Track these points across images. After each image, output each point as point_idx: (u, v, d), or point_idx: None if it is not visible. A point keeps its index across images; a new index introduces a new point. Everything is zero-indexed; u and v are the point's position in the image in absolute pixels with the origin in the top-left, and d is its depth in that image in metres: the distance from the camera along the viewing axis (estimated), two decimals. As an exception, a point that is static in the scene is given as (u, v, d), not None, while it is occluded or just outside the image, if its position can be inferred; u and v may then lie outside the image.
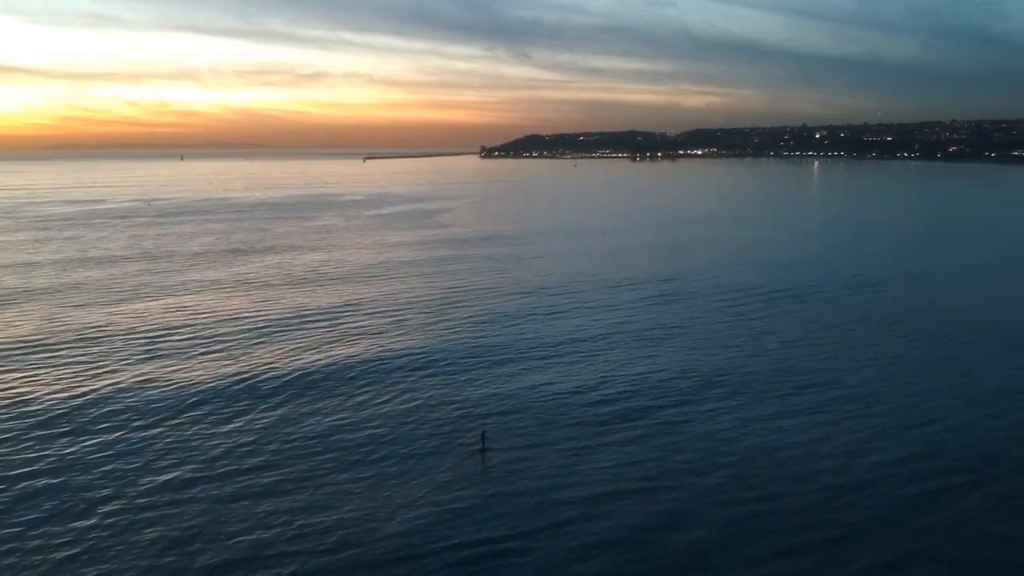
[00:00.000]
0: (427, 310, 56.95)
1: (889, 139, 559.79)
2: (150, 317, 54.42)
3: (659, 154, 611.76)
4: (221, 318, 54.06)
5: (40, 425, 34.01)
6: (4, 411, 35.68)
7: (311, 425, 34.09)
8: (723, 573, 23.03)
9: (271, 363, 42.98)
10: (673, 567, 23.33)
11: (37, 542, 24.46)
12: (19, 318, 54.08)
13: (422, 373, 41.42)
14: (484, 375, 41.13)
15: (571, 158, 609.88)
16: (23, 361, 43.47)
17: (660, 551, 24.09)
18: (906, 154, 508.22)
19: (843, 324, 52.25)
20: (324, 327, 51.46)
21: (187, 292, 63.96)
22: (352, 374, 41.12)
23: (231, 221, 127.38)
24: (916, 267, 77.23)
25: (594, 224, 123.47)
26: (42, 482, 28.59)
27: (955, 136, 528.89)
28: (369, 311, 56.52)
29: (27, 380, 40.09)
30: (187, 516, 26.03)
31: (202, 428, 33.72)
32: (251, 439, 32.50)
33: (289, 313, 55.64)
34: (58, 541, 24.54)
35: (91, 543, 24.43)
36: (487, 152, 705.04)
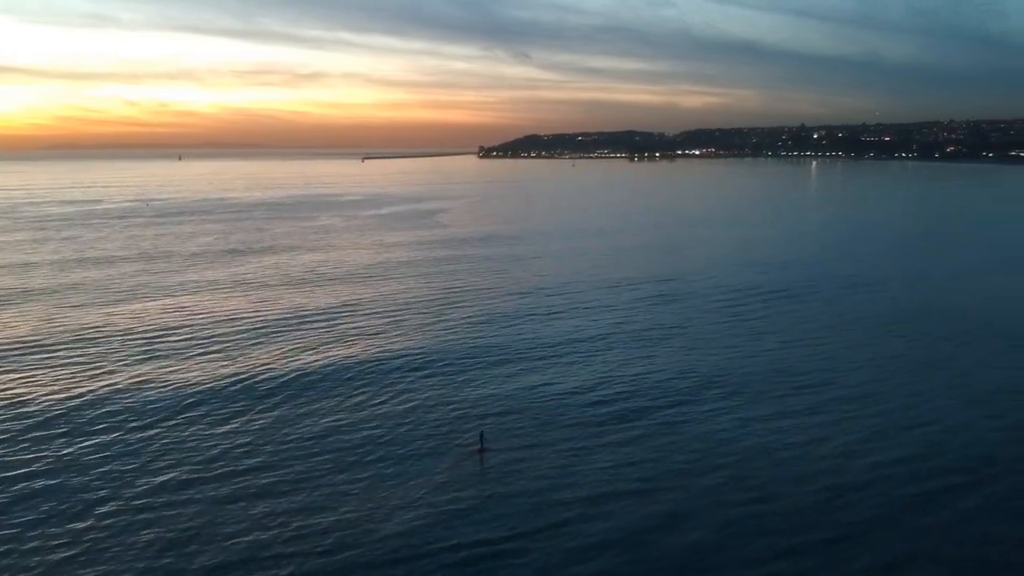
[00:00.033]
0: (425, 310, 56.90)
1: (887, 139, 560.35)
2: (148, 318, 54.33)
3: (657, 154, 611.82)
4: (219, 319, 53.99)
5: (37, 426, 33.92)
6: (1, 412, 35.58)
7: (309, 426, 34.03)
8: (721, 574, 22.99)
9: (268, 364, 42.92)
10: (671, 568, 23.29)
11: (34, 543, 24.38)
12: (17, 319, 53.98)
13: (420, 373, 41.38)
14: (482, 375, 41.09)
15: (569, 158, 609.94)
16: (20, 362, 43.38)
17: (658, 552, 24.05)
18: (904, 154, 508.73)
19: (841, 324, 52.26)
20: (322, 327, 51.40)
21: (185, 293, 63.88)
22: (350, 375, 41.07)
23: (229, 221, 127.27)
24: (914, 267, 77.28)
25: (592, 224, 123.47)
26: (39, 483, 28.51)
27: (953, 136, 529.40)
28: (367, 311, 56.46)
29: (24, 381, 40.00)
30: (184, 517, 25.96)
31: (199, 429, 33.66)
32: (248, 440, 32.44)
33: (287, 314, 55.58)
34: (55, 542, 24.46)
35: (88, 544, 24.36)
36: (485, 152, 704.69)
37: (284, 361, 43.42)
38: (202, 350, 45.81)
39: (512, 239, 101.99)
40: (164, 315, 55.22)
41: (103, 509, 26.57)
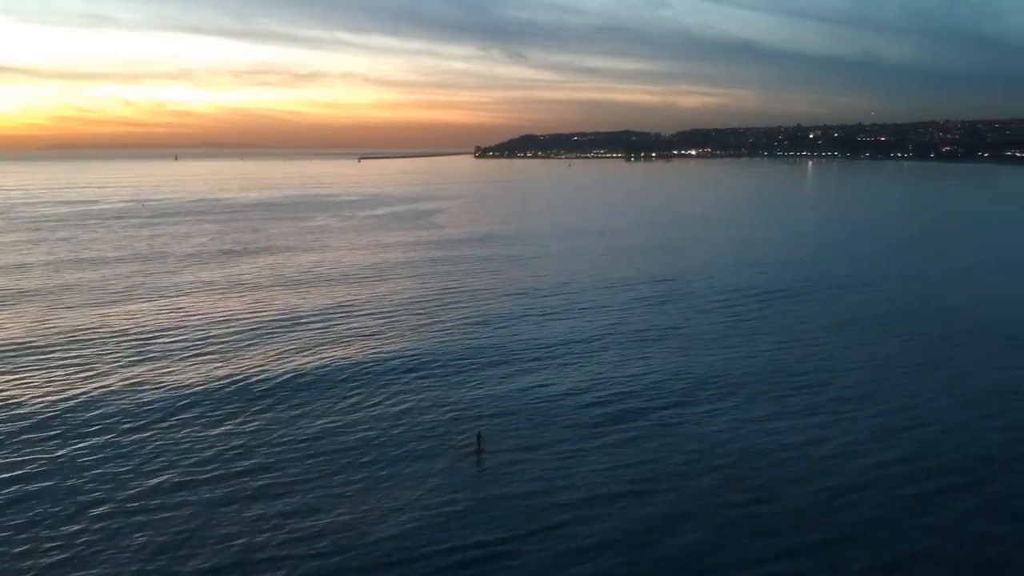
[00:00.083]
0: (421, 311, 56.74)
1: (883, 139, 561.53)
2: (142, 319, 54.10)
3: (653, 154, 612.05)
4: (214, 320, 53.78)
5: (30, 428, 33.68)
6: (-7, 414, 35.35)
7: (304, 427, 33.86)
8: (720, 575, 22.91)
9: (263, 365, 42.73)
10: (670, 569, 23.17)
11: (26, 546, 24.17)
12: (10, 320, 53.71)
13: (416, 375, 41.22)
14: (479, 376, 40.94)
15: (566, 158, 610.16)
16: (13, 363, 43.11)
17: (656, 553, 23.93)
18: (900, 154, 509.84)
19: (838, 324, 52.20)
20: (317, 328, 51.22)
21: (179, 294, 63.64)
22: (345, 376, 40.89)
23: (225, 222, 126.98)
24: (910, 267, 77.31)
25: (589, 224, 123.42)
26: (31, 485, 28.29)
27: (949, 136, 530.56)
28: (363, 312, 56.29)
29: (18, 382, 39.74)
30: (177, 520, 25.77)
31: (193, 431, 33.46)
32: (243, 442, 32.26)
33: (282, 315, 55.38)
34: (47, 545, 24.24)
35: (80, 547, 24.16)
36: (482, 152, 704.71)
37: (279, 362, 43.24)
38: (197, 351, 45.61)
39: (509, 239, 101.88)
40: (159, 316, 55.00)
41: (96, 511, 26.36)
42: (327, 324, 52.42)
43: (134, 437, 32.69)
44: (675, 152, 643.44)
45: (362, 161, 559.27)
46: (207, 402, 36.89)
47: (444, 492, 27.82)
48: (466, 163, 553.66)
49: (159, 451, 31.31)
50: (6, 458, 30.61)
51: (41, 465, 30.05)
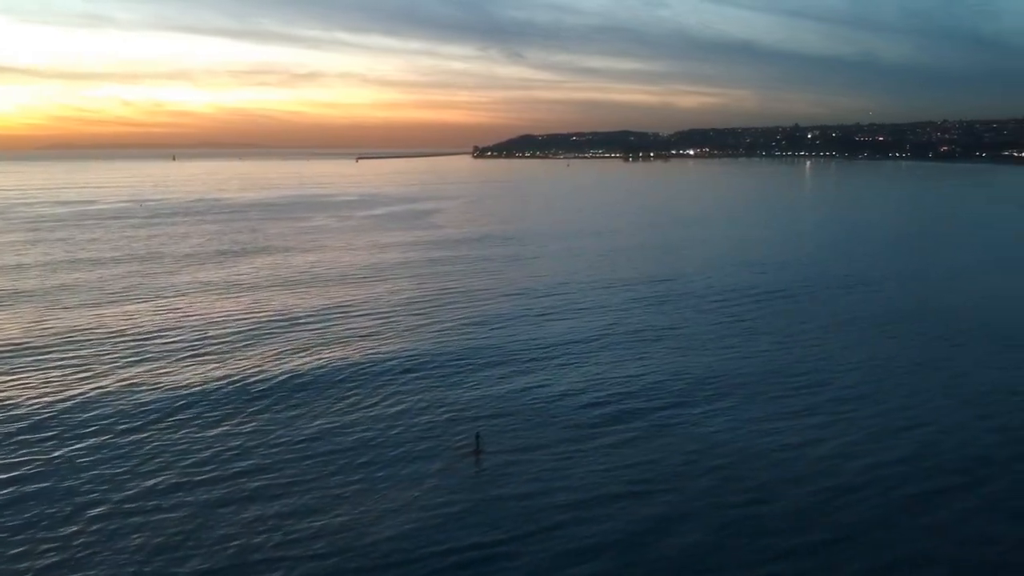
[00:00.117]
0: (419, 311, 56.67)
1: (881, 139, 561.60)
2: (139, 319, 54.00)
3: (651, 154, 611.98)
4: (211, 320, 53.69)
5: (27, 429, 33.57)
6: (-10, 415, 35.26)
7: (301, 428, 33.78)
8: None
9: (261, 366, 42.65)
10: (668, 570, 23.11)
11: (23, 548, 24.08)
12: (8, 320, 53.59)
13: (414, 375, 41.15)
14: (477, 377, 40.88)
15: (564, 158, 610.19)
16: (11, 364, 42.99)
17: (655, 554, 23.88)
18: (897, 154, 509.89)
19: (836, 324, 52.19)
20: (315, 329, 51.15)
21: (177, 294, 63.54)
22: (343, 376, 40.82)
23: (223, 222, 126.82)
24: (908, 267, 77.32)
25: (587, 224, 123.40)
26: (28, 486, 28.19)
27: (946, 136, 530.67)
28: (361, 313, 56.22)
29: (14, 383, 39.65)
30: (174, 521, 25.69)
31: (190, 432, 33.37)
32: (239, 443, 32.17)
33: (280, 315, 55.30)
34: (44, 547, 24.15)
35: (77, 548, 24.07)
36: (480, 152, 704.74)
37: (277, 363, 43.16)
38: (194, 352, 45.52)
39: (507, 240, 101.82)
40: (156, 317, 54.91)
41: (93, 512, 26.27)
42: (325, 324, 52.34)
43: (131, 438, 32.61)
44: (673, 152, 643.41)
45: (360, 161, 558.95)
46: (204, 403, 36.81)
47: (442, 493, 27.75)
48: (464, 163, 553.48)
49: (156, 452, 31.23)
50: (3, 459, 30.51)
51: (38, 466, 29.96)
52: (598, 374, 41.25)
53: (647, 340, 48.27)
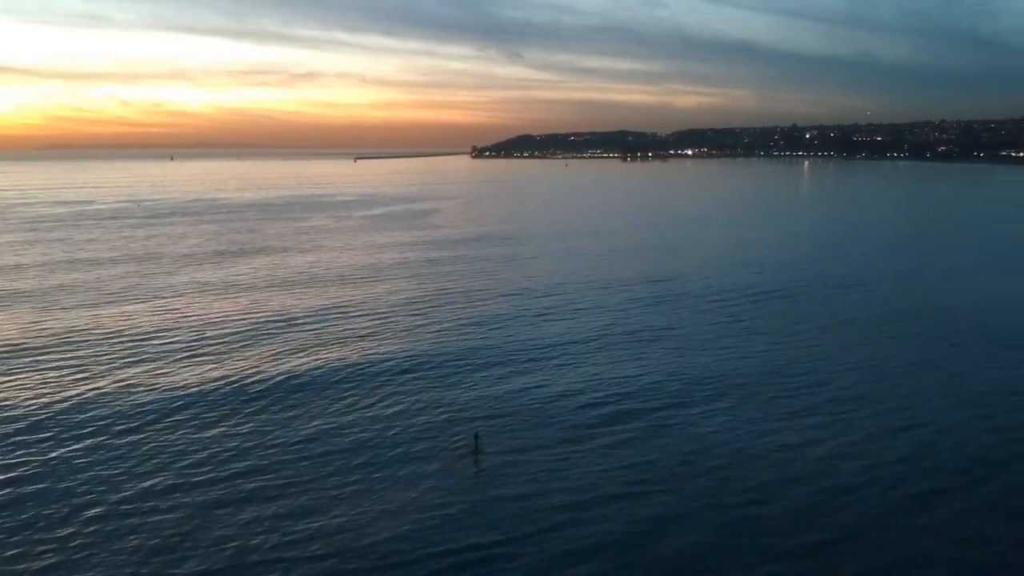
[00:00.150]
0: (417, 312, 56.62)
1: (879, 139, 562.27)
2: (137, 320, 53.92)
3: (650, 154, 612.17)
4: (209, 321, 53.61)
5: (24, 430, 33.51)
6: (-14, 416, 35.18)
7: (299, 429, 33.73)
8: (714, 578, 22.86)
9: (259, 366, 42.59)
10: (666, 570, 23.10)
11: (19, 549, 24.04)
12: (5, 320, 53.49)
13: (412, 376, 41.11)
14: (475, 377, 40.84)
15: (562, 158, 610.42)
16: (8, 364, 42.92)
17: (653, 555, 23.85)
18: (895, 154, 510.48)
19: (834, 325, 52.20)
20: (313, 330, 51.09)
21: (175, 295, 63.45)
22: (341, 377, 40.76)
23: (220, 222, 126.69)
24: (906, 267, 77.35)
25: (585, 224, 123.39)
26: (24, 487, 28.14)
27: (944, 136, 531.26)
28: (359, 313, 56.16)
29: (11, 383, 39.58)
30: (171, 522, 25.65)
31: (187, 433, 33.32)
32: (237, 444, 32.12)
33: (278, 315, 55.23)
34: (41, 548, 24.12)
35: (74, 550, 24.03)
36: (478, 152, 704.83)
37: (274, 363, 43.10)
38: (192, 352, 45.45)
39: (505, 240, 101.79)
40: (154, 317, 54.82)
41: (90, 514, 26.23)
42: (322, 325, 52.29)
43: (128, 439, 32.55)
44: (671, 152, 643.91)
45: (358, 161, 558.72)
46: (202, 404, 36.75)
47: (440, 493, 27.72)
48: (463, 163, 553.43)
49: (153, 453, 31.17)
50: (0, 460, 30.48)
51: (35, 467, 29.91)
52: (596, 374, 41.23)
53: (645, 340, 48.25)
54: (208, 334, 49.65)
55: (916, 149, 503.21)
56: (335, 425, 34.11)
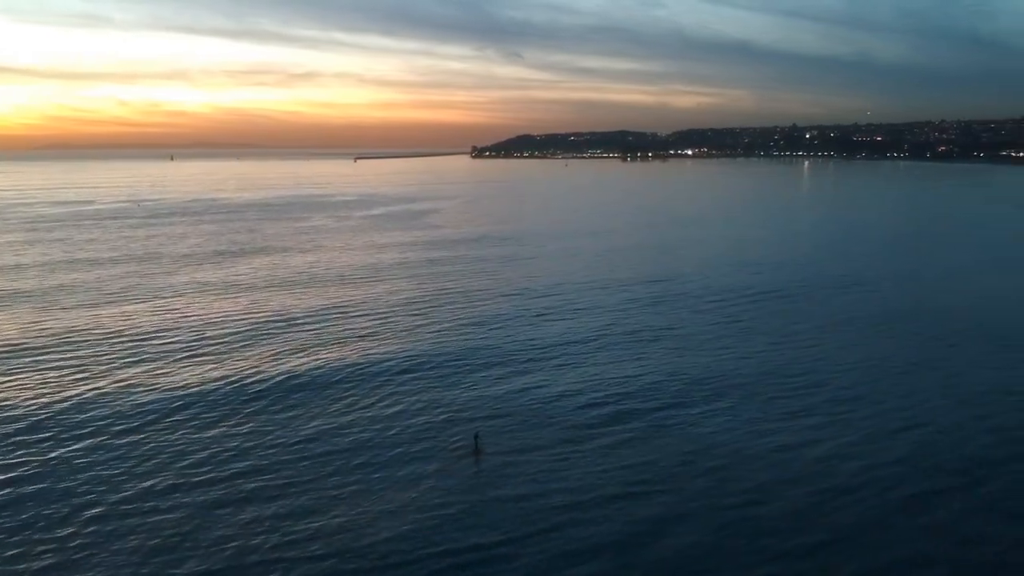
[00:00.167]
0: (417, 312, 56.66)
1: (879, 139, 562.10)
2: (137, 320, 53.96)
3: (649, 154, 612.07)
4: (208, 321, 53.65)
5: (24, 430, 33.56)
6: (-14, 416, 35.21)
7: (299, 429, 33.78)
8: (713, 578, 22.91)
9: (258, 367, 42.63)
10: (665, 571, 23.16)
11: (19, 549, 24.09)
12: (5, 321, 53.52)
13: (412, 376, 41.15)
14: (475, 378, 40.89)
15: (562, 158, 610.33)
16: (7, 364, 42.96)
17: (652, 555, 23.91)
18: (895, 154, 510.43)
19: (833, 325, 52.25)
20: (312, 330, 51.13)
21: (175, 295, 63.49)
22: (341, 377, 40.80)
23: (220, 222, 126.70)
24: (905, 267, 77.41)
25: (585, 225, 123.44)
26: (24, 487, 28.18)
27: (944, 136, 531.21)
28: (358, 313, 56.20)
29: (11, 384, 39.62)
30: (171, 522, 25.70)
31: (187, 433, 33.36)
32: (237, 444, 32.17)
33: (277, 316, 55.27)
34: (40, 548, 24.17)
35: (73, 550, 24.08)
36: (478, 152, 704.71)
37: (274, 364, 43.14)
38: (191, 353, 45.49)
39: (504, 240, 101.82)
40: (153, 317, 54.86)
41: (89, 514, 26.28)
42: (322, 325, 52.33)
43: (128, 439, 32.59)
44: (671, 152, 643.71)
45: (358, 161, 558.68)
46: (202, 404, 36.80)
47: (439, 494, 27.76)
48: (462, 163, 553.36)
49: (153, 453, 31.22)
50: (0, 460, 30.52)
51: (34, 467, 29.96)
52: (595, 375, 41.28)
53: (644, 341, 48.30)
54: (208, 334, 49.69)
55: (916, 149, 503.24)
56: (335, 425, 34.16)
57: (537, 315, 55.58)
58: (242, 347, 46.65)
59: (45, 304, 59.21)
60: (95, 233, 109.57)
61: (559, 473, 29.36)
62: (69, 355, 44.79)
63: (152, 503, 27.04)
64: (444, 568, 23.21)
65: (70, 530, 25.26)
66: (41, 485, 28.43)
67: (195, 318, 54.41)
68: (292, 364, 42.94)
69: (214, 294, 63.57)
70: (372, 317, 54.75)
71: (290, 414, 35.52)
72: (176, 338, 48.74)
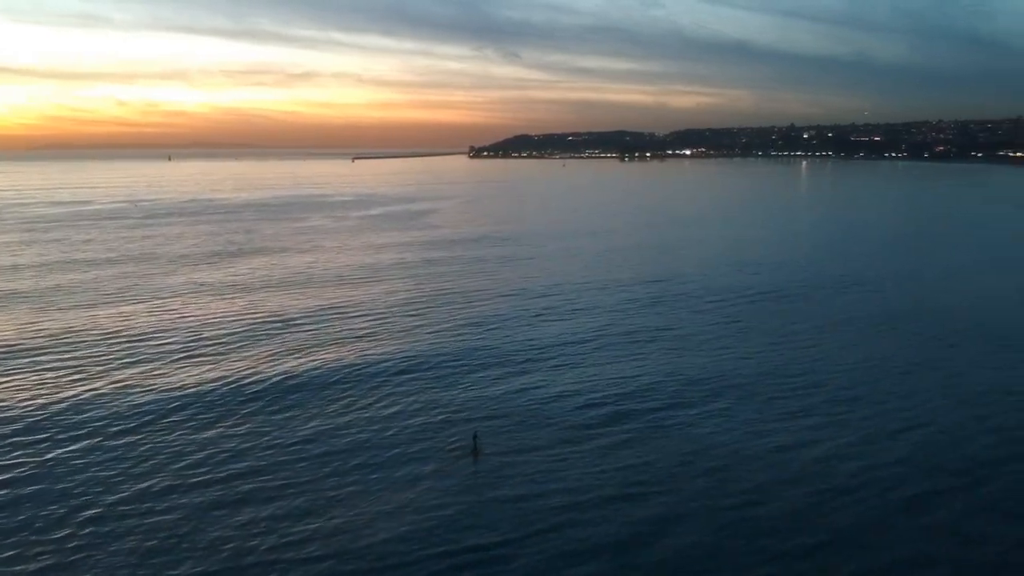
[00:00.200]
0: (415, 312, 56.56)
1: (877, 139, 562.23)
2: (134, 321, 53.82)
3: (648, 154, 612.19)
4: (206, 322, 53.52)
5: (20, 431, 33.42)
6: (-17, 417, 35.07)
7: (296, 430, 33.66)
8: (712, 579, 22.82)
9: (256, 367, 42.51)
10: (664, 572, 23.09)
11: (14, 551, 23.96)
12: (2, 321, 53.36)
13: (410, 376, 41.05)
14: (473, 378, 40.79)
15: (560, 158, 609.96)
16: (4, 365, 42.82)
17: (650, 556, 23.82)
18: (893, 154, 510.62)
19: (832, 325, 52.19)
20: (310, 330, 51.02)
21: (172, 295, 63.35)
22: (338, 378, 40.69)
23: (218, 223, 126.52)
24: (904, 267, 77.39)
25: (583, 225, 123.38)
26: (20, 489, 28.05)
27: (942, 136, 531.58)
28: (356, 314, 56.09)
29: (7, 384, 39.48)
30: (167, 524, 25.57)
31: (184, 434, 33.23)
32: (233, 445, 32.05)
33: (275, 316, 55.15)
34: (36, 550, 24.04)
35: (69, 552, 23.95)
36: (476, 152, 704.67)
37: (271, 364, 43.03)
38: (188, 353, 45.36)
39: (503, 240, 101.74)
40: (150, 318, 54.72)
41: (85, 515, 26.15)
42: (320, 325, 52.22)
43: (125, 440, 32.47)
44: (669, 152, 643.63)
45: (356, 161, 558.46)
46: (199, 404, 36.68)
47: (437, 495, 27.66)
48: (460, 163, 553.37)
49: (150, 454, 31.10)
50: (-5, 462, 30.36)
51: (31, 468, 29.83)
52: (594, 375, 41.19)
53: (642, 341, 48.23)
54: (205, 335, 49.56)
55: (914, 149, 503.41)
56: (333, 426, 34.05)
57: (536, 315, 55.50)
58: (239, 348, 46.53)
59: (42, 305, 59.05)
60: (92, 233, 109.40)
61: (558, 474, 29.27)
62: (66, 356, 44.65)
63: (149, 504, 26.92)
64: (442, 569, 23.12)
65: (67, 531, 25.14)
66: (38, 486, 28.30)
67: (192, 319, 54.29)
68: (289, 365, 42.83)
69: (211, 295, 63.44)
70: (370, 317, 54.64)
71: (287, 415, 35.40)
72: (173, 339, 48.61)
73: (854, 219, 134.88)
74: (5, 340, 48.05)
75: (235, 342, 47.81)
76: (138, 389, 38.75)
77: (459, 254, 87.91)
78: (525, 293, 63.80)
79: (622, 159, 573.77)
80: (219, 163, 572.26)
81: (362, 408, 36.31)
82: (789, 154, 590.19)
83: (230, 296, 62.74)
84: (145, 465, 30.08)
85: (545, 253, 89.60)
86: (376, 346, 46.77)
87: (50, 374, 41.21)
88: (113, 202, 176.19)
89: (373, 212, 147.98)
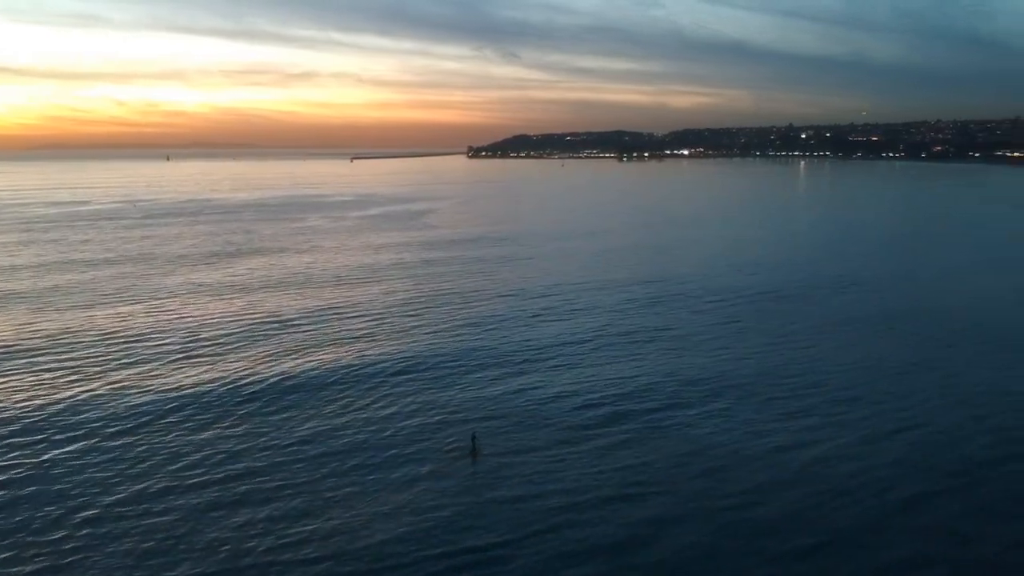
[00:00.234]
0: (413, 313, 56.54)
1: (875, 139, 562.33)
2: (132, 321, 53.76)
3: (646, 154, 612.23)
4: (203, 322, 53.46)
5: (16, 432, 33.36)
6: (-20, 418, 35.00)
7: (293, 431, 33.62)
8: (710, 580, 22.81)
9: (254, 368, 42.47)
10: (662, 572, 23.07)
11: (10, 552, 23.90)
12: (-2, 322, 53.33)
13: (408, 377, 41.02)
14: (471, 379, 40.76)
15: (558, 158, 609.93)
16: (1, 366, 42.74)
17: (649, 557, 23.80)
18: (892, 154, 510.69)
19: (829, 325, 52.20)
20: (308, 331, 50.97)
21: (170, 296, 63.28)
22: (336, 379, 40.66)
23: (216, 223, 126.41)
24: (902, 268, 77.44)
25: (581, 225, 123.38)
26: (16, 490, 27.99)
27: (940, 136, 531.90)
28: (354, 314, 56.06)
29: (4, 385, 39.40)
30: (164, 525, 25.53)
31: (181, 435, 33.18)
32: (231, 446, 32.00)
33: (273, 317, 55.10)
34: (32, 551, 23.98)
35: (65, 553, 23.89)
36: (475, 152, 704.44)
37: (269, 365, 42.99)
38: (186, 354, 45.31)
39: (501, 240, 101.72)
40: (148, 318, 54.66)
41: (82, 516, 26.10)
42: (318, 326, 52.17)
43: (122, 441, 32.41)
44: (667, 152, 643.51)
45: (354, 161, 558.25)
46: (196, 405, 36.62)
47: (435, 496, 27.64)
48: (459, 163, 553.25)
49: (147, 455, 31.04)
50: (-8, 463, 30.30)
51: (28, 469, 29.77)
52: (592, 375, 41.18)
53: (641, 341, 48.22)
54: (203, 335, 49.51)
55: (912, 149, 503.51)
56: (330, 427, 34.01)
57: (534, 316, 55.48)
58: (237, 348, 46.49)
59: (40, 305, 58.97)
60: (90, 234, 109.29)
61: (556, 474, 29.25)
62: (63, 356, 44.58)
63: (146, 505, 26.87)
64: (441, 570, 23.09)
65: (63, 533, 25.08)
66: (34, 487, 28.24)
67: (190, 319, 54.24)
68: (287, 365, 42.79)
69: (209, 295, 63.39)
70: (368, 318, 54.61)
71: (285, 416, 35.36)
72: (171, 339, 48.55)
73: (852, 219, 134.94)
74: (3, 341, 47.98)
75: (233, 343, 47.76)
76: (135, 390, 38.70)
77: (457, 254, 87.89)
78: (523, 293, 63.79)
79: (620, 159, 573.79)
80: (218, 163, 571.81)
81: (360, 409, 36.28)
82: (787, 154, 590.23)
83: (228, 296, 62.69)
84: (142, 466, 30.04)
85: (543, 253, 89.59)
86: (374, 347, 46.74)
87: (47, 375, 41.15)
88: (111, 202, 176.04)
89: (371, 212, 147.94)
